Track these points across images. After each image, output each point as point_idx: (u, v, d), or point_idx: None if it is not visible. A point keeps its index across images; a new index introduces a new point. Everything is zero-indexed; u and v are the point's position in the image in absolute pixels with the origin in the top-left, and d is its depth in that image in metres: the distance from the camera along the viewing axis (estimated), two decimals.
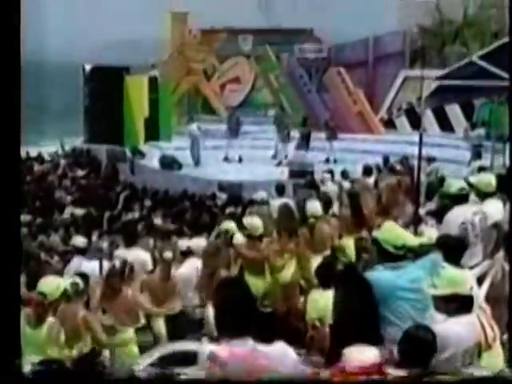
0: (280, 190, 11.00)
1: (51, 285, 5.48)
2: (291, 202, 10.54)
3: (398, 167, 12.70)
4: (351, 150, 21.02)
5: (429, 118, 23.33)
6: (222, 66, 26.27)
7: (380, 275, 3.90)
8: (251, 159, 19.96)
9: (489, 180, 5.98)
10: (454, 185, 6.06)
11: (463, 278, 3.84)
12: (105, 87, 21.84)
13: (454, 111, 22.71)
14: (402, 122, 23.67)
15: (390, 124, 23.92)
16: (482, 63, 9.51)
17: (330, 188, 11.73)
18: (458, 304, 3.65)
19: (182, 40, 25.18)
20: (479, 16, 27.62)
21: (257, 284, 7.05)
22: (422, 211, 11.90)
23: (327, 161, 19.67)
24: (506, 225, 5.43)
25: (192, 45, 25.20)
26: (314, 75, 24.46)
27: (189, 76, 25.23)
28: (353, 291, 3.67)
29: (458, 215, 5.74)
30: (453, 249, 4.52)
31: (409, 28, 25.75)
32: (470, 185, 6.18)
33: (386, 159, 14.53)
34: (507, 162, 16.54)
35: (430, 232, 5.85)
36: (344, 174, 12.56)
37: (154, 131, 21.63)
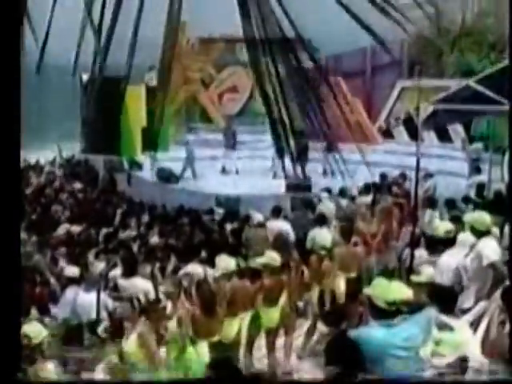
0: (277, 211, 10.94)
1: (35, 328, 5.40)
2: (288, 226, 10.55)
3: (395, 188, 12.64)
4: (348, 160, 20.96)
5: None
6: (219, 75, 26.25)
7: (373, 333, 3.87)
8: (249, 170, 19.94)
9: (484, 218, 5.92)
10: (441, 228, 6.00)
11: (465, 338, 3.80)
12: (102, 96, 21.77)
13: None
14: (400, 131, 23.67)
15: (387, 134, 23.93)
16: (479, 87, 9.50)
17: (327, 206, 11.70)
18: (459, 367, 3.61)
19: (179, 49, 25.10)
20: (477, 24, 27.63)
21: (272, 314, 7.05)
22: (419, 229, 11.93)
23: (324, 172, 19.64)
24: (502, 265, 5.41)
25: (189, 54, 25.16)
26: (311, 84, 24.39)
27: (186, 85, 25.19)
28: (343, 361, 3.62)
29: (450, 260, 5.70)
30: (446, 300, 4.49)
31: (406, 37, 25.75)
32: (463, 223, 6.10)
33: (383, 176, 14.51)
34: (505, 175, 16.54)
35: (428, 271, 5.81)
36: (342, 193, 12.51)
37: (151, 141, 21.57)
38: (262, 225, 10.16)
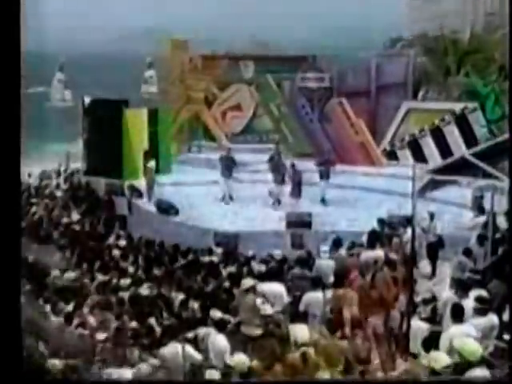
0: (272, 273, 10.69)
1: None
2: (282, 288, 10.32)
3: (396, 240, 12.40)
4: (351, 186, 20.73)
5: (431, 149, 23.04)
6: (223, 93, 26.01)
7: None
8: (249, 197, 19.68)
9: (474, 348, 5.68)
10: (440, 360, 5.72)
11: None
12: (104, 120, 21.67)
13: (457, 143, 22.41)
14: (405, 153, 23.36)
15: (392, 155, 23.62)
16: (475, 161, 9.25)
17: (325, 264, 11.47)
18: None
19: (182, 68, 24.91)
20: (485, 40, 27.28)
21: None
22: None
23: (323, 201, 19.39)
24: None
25: (193, 73, 24.94)
26: (315, 105, 24.18)
27: (189, 104, 24.98)
28: None
29: None
30: None
31: (413, 52, 25.48)
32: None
33: (381, 221, 14.24)
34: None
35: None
36: (336, 243, 12.28)
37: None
38: (251, 290, 9.88)
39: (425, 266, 14.64)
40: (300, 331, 7.32)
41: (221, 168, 19.52)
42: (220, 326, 9.01)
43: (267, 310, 9.24)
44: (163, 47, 25.55)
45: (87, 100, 22.28)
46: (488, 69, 22.90)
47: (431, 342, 6.96)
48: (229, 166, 19.47)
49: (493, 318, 7.73)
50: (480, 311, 7.70)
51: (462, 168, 9.32)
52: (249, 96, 26.04)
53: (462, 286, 8.70)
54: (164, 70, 25.63)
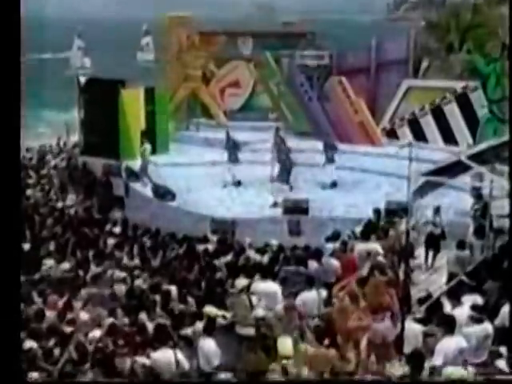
0: (265, 274, 10.55)
1: None
2: (276, 286, 10.19)
3: (391, 232, 12.24)
4: (351, 167, 20.53)
5: (431, 128, 22.77)
6: (221, 69, 25.65)
7: None
8: (247, 180, 19.51)
9: (464, 376, 5.59)
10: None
11: None
12: (100, 100, 21.40)
13: (458, 122, 22.14)
14: (405, 132, 23.09)
15: (392, 134, 23.35)
16: (472, 164, 9.08)
17: (328, 263, 11.31)
18: None
19: (179, 45, 24.53)
20: (488, 14, 26.78)
21: None
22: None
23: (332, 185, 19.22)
24: None
25: (190, 51, 24.55)
26: (315, 83, 23.84)
27: (186, 82, 24.66)
28: None
29: None
30: None
31: (414, 30, 25.01)
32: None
33: (377, 211, 14.05)
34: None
35: None
36: (334, 236, 12.12)
37: (150, 144, 21.15)
38: (245, 290, 9.78)
39: (421, 255, 14.45)
40: (283, 344, 7.24)
41: (226, 153, 19.45)
42: (210, 329, 8.86)
43: (260, 312, 9.14)
44: (160, 24, 25.19)
45: (83, 79, 22.00)
46: (490, 43, 22.45)
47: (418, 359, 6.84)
48: (232, 150, 19.37)
49: (487, 327, 7.63)
50: (475, 319, 7.60)
51: (458, 170, 9.14)
52: (247, 73, 25.67)
53: (456, 293, 8.58)
54: (161, 48, 25.25)
